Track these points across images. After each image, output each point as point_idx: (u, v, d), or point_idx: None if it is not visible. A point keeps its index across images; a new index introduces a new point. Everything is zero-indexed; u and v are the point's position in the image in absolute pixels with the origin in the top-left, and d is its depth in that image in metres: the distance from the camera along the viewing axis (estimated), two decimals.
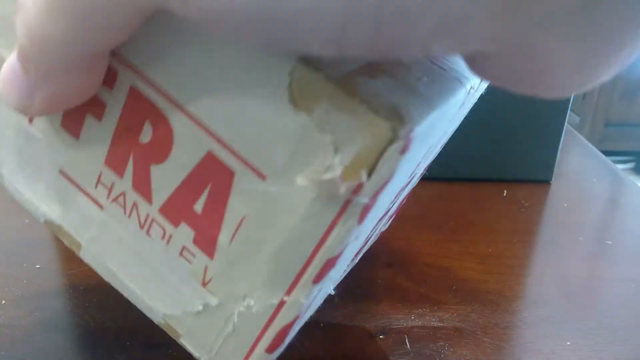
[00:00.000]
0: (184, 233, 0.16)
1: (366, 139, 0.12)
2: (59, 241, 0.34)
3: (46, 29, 0.12)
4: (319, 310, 0.28)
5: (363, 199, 0.13)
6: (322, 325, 0.27)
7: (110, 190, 0.17)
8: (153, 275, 0.17)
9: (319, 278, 0.15)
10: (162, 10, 0.11)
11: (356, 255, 0.20)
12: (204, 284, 0.16)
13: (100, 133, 0.16)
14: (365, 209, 0.14)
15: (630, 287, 0.32)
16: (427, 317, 0.29)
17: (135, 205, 0.16)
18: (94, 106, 0.16)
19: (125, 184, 0.16)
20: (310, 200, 0.14)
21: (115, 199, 0.17)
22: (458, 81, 0.17)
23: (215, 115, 0.14)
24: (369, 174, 0.13)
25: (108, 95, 0.15)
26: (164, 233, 0.16)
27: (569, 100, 0.42)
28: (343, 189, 0.13)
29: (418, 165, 0.19)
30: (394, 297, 0.30)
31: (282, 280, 0.15)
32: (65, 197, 0.17)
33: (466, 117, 0.43)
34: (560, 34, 0.11)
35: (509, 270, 0.33)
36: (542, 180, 0.46)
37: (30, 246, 0.33)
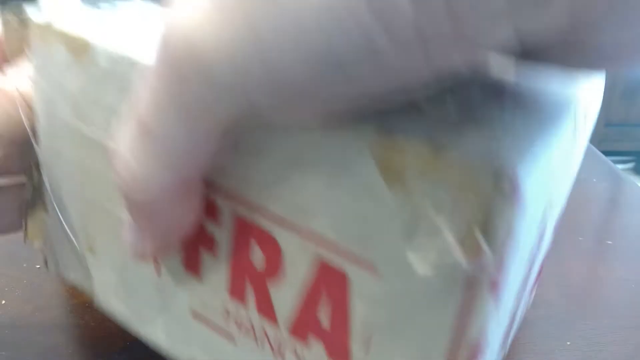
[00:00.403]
0: (317, 351, 0.15)
1: (472, 203, 0.11)
2: None
3: (139, 172, 0.13)
4: None
5: (490, 272, 0.12)
6: None
7: (238, 322, 0.17)
8: None
9: None
10: (236, 122, 0.12)
11: (505, 341, 0.18)
12: None
13: (218, 267, 0.16)
14: (496, 283, 0.12)
15: (630, 287, 0.32)
16: None
17: (264, 332, 0.16)
18: (206, 243, 0.16)
19: (251, 311, 0.16)
20: (436, 290, 0.12)
21: (246, 331, 0.17)
22: (559, 102, 0.15)
23: (314, 217, 0.14)
24: (488, 243, 0.11)
25: (216, 229, 0.16)
26: (297, 355, 0.16)
27: None
28: (466, 266, 0.12)
29: (544, 218, 0.15)
30: None
31: None
32: (202, 340, 0.18)
33: None
34: None
35: None
36: None
37: (30, 246, 0.33)
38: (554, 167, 0.14)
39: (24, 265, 0.31)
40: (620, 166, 1.82)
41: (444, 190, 0.11)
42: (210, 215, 0.16)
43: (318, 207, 0.13)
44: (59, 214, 0.20)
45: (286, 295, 0.15)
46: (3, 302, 0.28)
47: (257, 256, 0.15)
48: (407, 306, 0.13)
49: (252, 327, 0.16)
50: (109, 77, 0.16)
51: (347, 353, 0.14)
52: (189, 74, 0.11)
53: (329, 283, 0.14)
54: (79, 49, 0.16)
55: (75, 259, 0.20)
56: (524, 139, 0.12)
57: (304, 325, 0.15)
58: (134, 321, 0.20)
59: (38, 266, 0.31)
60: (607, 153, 0.55)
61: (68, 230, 0.20)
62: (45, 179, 0.20)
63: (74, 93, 0.17)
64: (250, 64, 0.11)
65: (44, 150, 0.19)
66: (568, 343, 0.27)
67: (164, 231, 0.15)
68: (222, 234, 0.16)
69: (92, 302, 0.28)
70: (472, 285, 0.12)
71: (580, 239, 0.38)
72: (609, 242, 0.37)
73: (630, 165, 1.93)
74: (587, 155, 0.53)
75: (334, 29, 0.10)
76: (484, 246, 0.11)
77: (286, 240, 0.14)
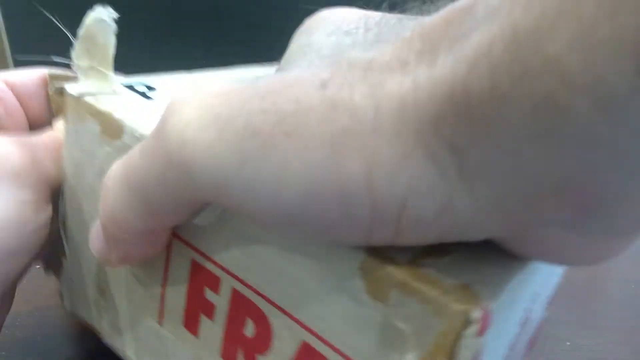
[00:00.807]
0: None
1: (440, 325, 0.12)
2: None
3: (119, 209, 0.15)
4: None
5: None
6: None
7: None
8: None
9: None
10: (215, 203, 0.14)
11: None
12: None
13: (214, 330, 0.17)
14: None
15: (630, 287, 0.32)
16: None
17: None
18: (206, 308, 0.17)
19: None
20: None
21: None
22: None
23: (304, 309, 0.15)
24: (457, 348, 0.12)
25: (215, 297, 0.17)
26: None
27: None
28: None
29: (527, 307, 0.16)
30: None
31: None
32: None
33: None
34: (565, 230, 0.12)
35: None
36: None
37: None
38: (531, 280, 0.15)
39: None
40: None
41: (418, 312, 0.12)
42: (211, 285, 0.17)
43: (307, 300, 0.15)
44: (74, 260, 0.21)
45: None
46: None
47: (249, 328, 0.16)
48: None
49: None
50: None
51: None
52: (176, 163, 0.13)
53: None
54: (113, 129, 0.18)
55: (87, 300, 0.21)
56: (498, 266, 0.13)
57: None
58: None
59: (38, 266, 0.31)
60: None
61: (83, 276, 0.21)
62: (63, 229, 0.21)
63: (101, 161, 0.18)
64: (232, 186, 0.12)
65: (66, 204, 0.20)
66: (568, 343, 0.27)
67: (127, 254, 0.16)
68: (221, 303, 0.17)
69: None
70: None
71: None
72: None
73: None
74: None
75: (310, 204, 0.11)
76: None
77: (276, 320, 0.15)
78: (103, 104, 0.18)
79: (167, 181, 0.13)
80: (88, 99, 0.18)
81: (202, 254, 0.17)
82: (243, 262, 0.16)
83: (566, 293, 0.32)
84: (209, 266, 0.17)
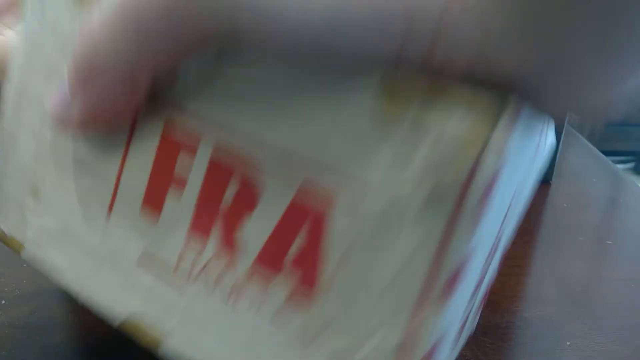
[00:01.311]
0: (276, 293, 0.14)
1: (473, 116, 0.12)
2: None
3: (105, 44, 0.13)
4: None
5: (478, 192, 0.12)
6: None
7: (191, 268, 0.16)
8: (245, 353, 0.15)
9: (446, 296, 0.13)
10: (216, 38, 0.13)
11: (474, 296, 0.17)
12: (306, 345, 0.14)
13: (180, 209, 0.16)
14: (481, 205, 0.12)
15: (630, 287, 0.32)
16: None
17: (220, 276, 0.15)
18: (177, 182, 0.15)
19: (207, 254, 0.15)
20: (420, 206, 0.12)
21: (196, 276, 0.16)
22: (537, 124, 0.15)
23: (307, 140, 0.13)
24: (478, 160, 0.12)
25: (190, 162, 0.15)
26: (252, 301, 0.15)
27: None
28: (453, 185, 0.12)
29: (512, 198, 0.16)
30: None
31: (404, 305, 0.13)
32: (144, 290, 0.17)
33: None
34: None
35: (509, 270, 0.33)
36: (542, 180, 0.46)
37: None
38: (523, 155, 0.14)
39: (24, 265, 0.31)
40: (620, 166, 1.82)
41: (447, 108, 0.12)
42: (187, 147, 0.15)
43: (311, 130, 0.13)
44: (4, 154, 0.19)
45: (255, 230, 0.15)
46: (3, 302, 0.28)
47: (232, 188, 0.15)
48: (393, 222, 0.13)
49: (207, 271, 0.16)
50: None
51: (312, 288, 0.14)
52: None
53: (309, 211, 0.14)
54: None
55: (11, 205, 0.19)
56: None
57: (271, 256, 0.14)
58: (68, 274, 0.18)
59: None
60: (607, 153, 0.55)
61: (12, 173, 0.19)
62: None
63: (66, 35, 0.16)
64: (256, 6, 0.11)
65: (11, 88, 0.18)
66: (568, 343, 0.27)
67: (94, 103, 0.14)
68: (197, 167, 0.15)
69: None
70: (460, 204, 0.12)
71: (580, 239, 0.38)
72: (609, 242, 0.37)
73: (630, 165, 1.93)
74: (587, 155, 0.53)
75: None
76: (475, 157, 0.12)
77: (271, 164, 0.14)
78: None
79: (172, 12, 0.12)
80: None
81: (180, 109, 0.15)
82: (230, 105, 0.14)
83: (566, 293, 0.32)
84: (188, 122, 0.15)
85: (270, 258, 0.14)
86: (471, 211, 0.12)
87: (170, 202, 0.16)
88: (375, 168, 0.13)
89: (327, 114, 0.13)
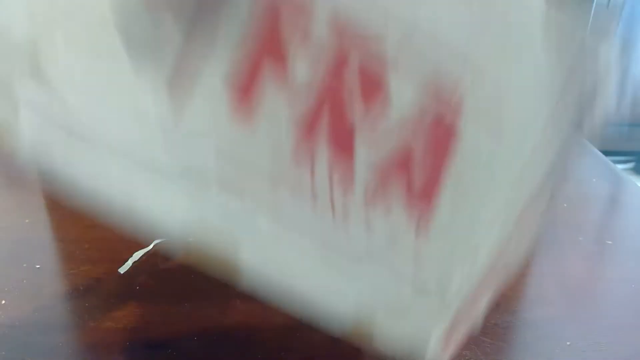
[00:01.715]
0: (396, 207, 0.14)
1: None
2: (59, 241, 0.34)
3: None
4: None
5: None
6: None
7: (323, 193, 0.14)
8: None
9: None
10: None
11: None
12: (418, 262, 0.14)
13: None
14: None
15: (630, 287, 0.32)
16: None
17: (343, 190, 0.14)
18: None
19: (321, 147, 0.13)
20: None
21: (310, 191, 0.14)
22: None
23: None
24: None
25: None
26: (370, 216, 0.14)
27: None
28: None
29: None
30: None
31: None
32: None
33: None
34: None
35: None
36: None
37: (30, 246, 0.33)
38: None
39: (24, 265, 0.31)
40: (620, 166, 1.81)
41: None
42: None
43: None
44: None
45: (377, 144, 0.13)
46: (3, 302, 0.28)
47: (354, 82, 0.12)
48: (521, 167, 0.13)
49: (319, 188, 0.14)
50: None
51: (430, 212, 0.14)
52: None
53: (435, 134, 0.13)
54: None
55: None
56: None
57: (389, 172, 0.13)
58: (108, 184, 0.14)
59: (38, 266, 0.31)
60: (607, 153, 0.55)
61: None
62: None
63: None
64: None
65: None
66: (568, 343, 0.27)
67: None
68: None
69: (92, 302, 0.28)
70: None
71: (580, 238, 0.38)
72: (609, 242, 0.37)
73: (630, 165, 1.93)
74: (587, 155, 0.53)
75: None
76: None
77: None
78: None
79: None
80: None
81: None
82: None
83: (566, 293, 0.32)
84: None
85: (390, 168, 0.13)
86: None
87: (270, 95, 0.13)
88: (516, 117, 0.12)
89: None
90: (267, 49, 0.12)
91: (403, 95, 0.12)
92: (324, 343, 0.26)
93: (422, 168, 0.13)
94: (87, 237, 0.34)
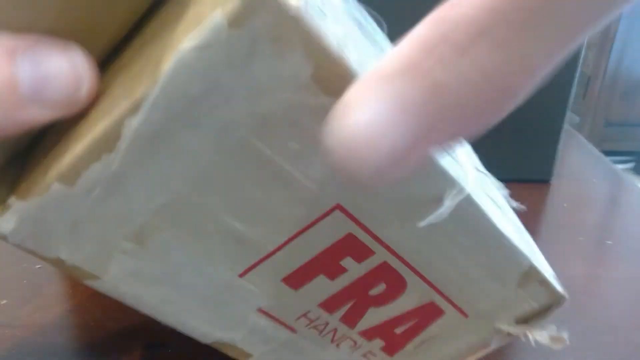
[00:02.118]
0: (375, 344, 0.20)
1: (545, 301, 0.21)
2: None
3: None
4: None
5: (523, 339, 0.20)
6: None
7: (312, 321, 0.18)
8: None
9: None
10: None
11: None
12: None
13: (326, 288, 0.18)
14: None
15: (630, 287, 0.32)
16: None
17: (334, 330, 0.19)
18: (333, 271, 0.17)
19: (332, 318, 0.19)
20: (492, 330, 0.20)
21: (314, 326, 0.19)
22: None
23: (449, 283, 0.18)
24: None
25: (353, 265, 0.17)
26: (355, 345, 0.20)
27: (568, 100, 0.42)
28: (525, 337, 0.20)
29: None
30: None
31: None
32: (253, 326, 0.18)
33: None
34: None
35: None
36: (542, 180, 0.46)
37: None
38: None
39: (24, 265, 0.31)
40: (620, 166, 1.81)
41: (540, 289, 0.21)
42: (357, 256, 0.17)
43: (450, 274, 0.18)
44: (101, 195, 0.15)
45: (380, 315, 0.19)
46: (3, 302, 0.28)
47: (378, 289, 0.18)
48: (464, 333, 0.20)
49: (325, 326, 0.19)
50: None
51: (401, 347, 0.20)
52: None
53: (427, 314, 0.19)
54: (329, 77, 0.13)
55: (89, 243, 0.16)
56: None
57: (377, 332, 0.19)
58: (158, 308, 0.17)
59: (38, 266, 0.31)
60: (607, 153, 0.55)
61: (102, 214, 0.15)
62: None
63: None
64: None
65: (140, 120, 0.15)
66: (568, 343, 0.27)
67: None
68: (357, 270, 0.17)
69: (92, 302, 0.28)
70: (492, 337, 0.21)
71: (580, 239, 0.38)
72: (609, 242, 0.37)
73: (630, 165, 1.93)
74: (587, 155, 0.53)
75: None
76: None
77: (413, 284, 0.18)
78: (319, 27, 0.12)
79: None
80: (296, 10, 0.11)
81: (369, 232, 0.16)
82: (416, 248, 0.17)
83: (566, 293, 0.32)
84: (369, 242, 0.17)
85: (380, 331, 0.19)
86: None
87: (316, 283, 0.17)
88: (480, 309, 0.20)
89: (478, 274, 0.18)
90: (326, 263, 0.17)
91: (401, 304, 0.19)
92: None
93: (408, 326, 0.19)
94: None
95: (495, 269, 0.18)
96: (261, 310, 0.18)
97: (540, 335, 0.20)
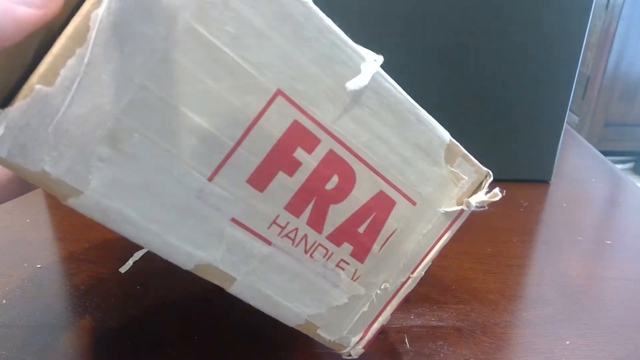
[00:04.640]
0: (344, 249, 0.21)
1: (475, 178, 0.23)
2: (60, 241, 0.34)
3: None
4: None
5: (470, 209, 0.23)
6: None
7: (283, 228, 0.20)
8: (305, 287, 0.21)
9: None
10: None
11: None
12: (353, 281, 0.22)
13: (287, 185, 0.19)
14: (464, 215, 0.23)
15: (629, 287, 0.32)
16: (427, 317, 0.29)
17: (305, 236, 0.20)
18: (289, 165, 0.19)
19: (300, 222, 0.20)
20: (440, 215, 0.22)
21: (286, 235, 0.20)
22: None
23: (390, 166, 0.21)
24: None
25: (306, 157, 0.19)
26: (326, 253, 0.21)
27: (568, 100, 0.42)
28: (469, 207, 0.22)
29: None
30: None
31: (411, 265, 0.23)
32: (231, 241, 0.19)
33: (466, 117, 0.43)
34: None
35: (508, 270, 0.33)
36: (541, 180, 0.46)
37: (30, 246, 0.33)
38: None
39: (24, 265, 0.31)
40: (619, 166, 1.82)
41: (468, 171, 0.23)
42: (306, 146, 0.19)
43: (394, 160, 0.21)
44: (77, 94, 0.16)
45: (340, 213, 0.20)
46: (3, 302, 0.28)
47: (332, 182, 0.20)
48: (421, 223, 0.22)
49: (296, 232, 0.20)
50: None
51: (368, 250, 0.22)
52: None
53: (380, 206, 0.21)
54: None
55: (68, 149, 0.16)
56: None
57: (343, 234, 0.21)
58: (140, 225, 0.18)
59: (39, 266, 0.31)
60: (606, 153, 0.55)
61: (80, 114, 0.16)
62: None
63: None
64: None
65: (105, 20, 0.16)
66: (567, 342, 0.27)
67: None
68: (309, 162, 0.19)
69: (92, 302, 0.28)
70: (457, 217, 0.23)
71: (579, 238, 0.38)
72: (608, 241, 0.38)
73: (630, 165, 1.93)
74: (587, 155, 0.53)
75: None
76: (472, 201, 0.23)
77: (362, 174, 0.20)
78: None
79: None
80: None
81: (310, 118, 0.18)
82: (353, 131, 0.19)
83: (565, 293, 0.32)
84: (313, 129, 0.19)
85: (345, 232, 0.21)
86: (463, 219, 0.24)
87: (278, 181, 0.19)
88: (425, 194, 0.22)
89: (410, 153, 0.21)
90: (282, 155, 0.19)
91: (358, 195, 0.21)
92: (323, 345, 0.26)
93: (368, 223, 0.21)
94: (87, 237, 0.34)
95: (422, 145, 0.21)
96: (235, 220, 0.19)
97: (476, 198, 0.22)
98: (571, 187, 0.46)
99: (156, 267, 0.31)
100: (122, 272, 0.30)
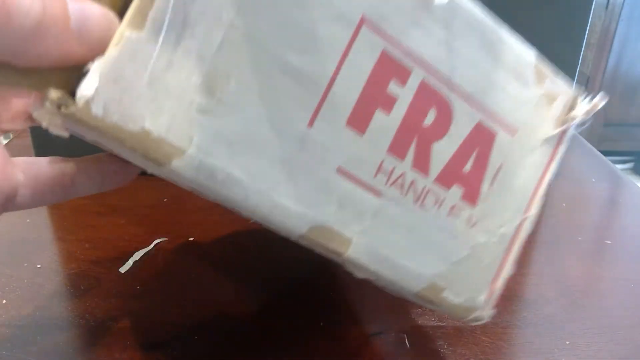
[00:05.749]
0: (454, 193, 0.20)
1: (566, 99, 0.22)
2: (59, 241, 0.34)
3: None
4: (319, 310, 0.28)
5: (572, 128, 0.22)
6: (322, 324, 0.27)
7: (389, 175, 0.19)
8: (423, 243, 0.20)
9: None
10: None
11: None
12: (470, 228, 0.21)
13: (387, 124, 0.18)
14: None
15: (629, 287, 0.32)
16: (427, 317, 0.29)
17: (412, 182, 0.20)
18: (385, 101, 0.18)
19: (405, 165, 0.19)
20: (542, 142, 0.22)
21: (394, 182, 0.19)
22: None
23: (482, 93, 0.20)
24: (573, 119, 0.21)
25: (400, 90, 0.18)
26: (437, 199, 0.20)
27: None
28: (572, 122, 0.22)
29: None
30: (394, 297, 0.30)
31: (523, 203, 0.22)
32: (341, 195, 0.18)
33: None
34: None
35: None
36: None
37: (30, 246, 0.33)
38: None
39: (25, 265, 0.31)
40: (619, 166, 1.81)
41: (563, 93, 0.22)
42: (399, 77, 0.18)
43: (489, 88, 0.20)
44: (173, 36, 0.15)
45: (443, 150, 0.20)
46: (3, 301, 0.28)
47: (430, 117, 0.19)
48: (526, 153, 0.21)
49: (403, 178, 0.19)
50: None
51: (478, 190, 0.21)
52: None
53: (481, 140, 0.20)
54: None
55: (167, 101, 0.15)
56: None
57: (450, 174, 0.20)
58: (248, 185, 0.17)
59: (38, 266, 0.31)
60: (606, 153, 0.55)
61: (176, 62, 0.15)
62: None
63: None
64: None
65: None
66: (567, 343, 0.27)
67: None
68: (404, 95, 0.18)
69: (92, 302, 0.28)
70: (559, 142, 0.22)
71: (579, 238, 0.38)
72: (608, 242, 0.38)
73: (630, 165, 1.93)
74: (586, 155, 0.53)
75: None
76: (573, 121, 0.22)
77: (458, 106, 0.19)
78: None
79: None
80: None
81: (398, 46, 0.18)
82: (441, 55, 0.19)
83: (565, 293, 0.32)
84: (402, 59, 0.18)
85: (451, 172, 0.20)
86: (566, 142, 0.23)
87: (376, 120, 0.18)
88: (522, 121, 0.21)
89: (499, 79, 0.20)
90: (377, 91, 0.18)
91: (459, 127, 0.20)
92: (323, 345, 0.26)
93: (473, 160, 0.20)
94: (87, 237, 0.34)
95: (511, 67, 0.20)
96: (341, 170, 0.18)
97: (579, 110, 0.22)
98: (571, 187, 0.46)
99: (156, 267, 0.31)
100: (122, 272, 0.30)
